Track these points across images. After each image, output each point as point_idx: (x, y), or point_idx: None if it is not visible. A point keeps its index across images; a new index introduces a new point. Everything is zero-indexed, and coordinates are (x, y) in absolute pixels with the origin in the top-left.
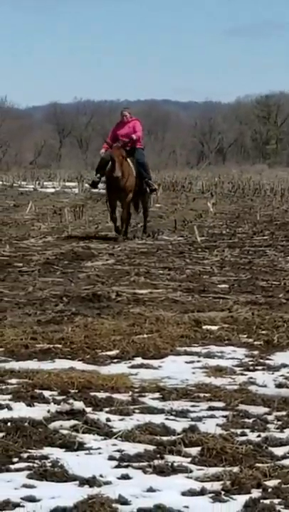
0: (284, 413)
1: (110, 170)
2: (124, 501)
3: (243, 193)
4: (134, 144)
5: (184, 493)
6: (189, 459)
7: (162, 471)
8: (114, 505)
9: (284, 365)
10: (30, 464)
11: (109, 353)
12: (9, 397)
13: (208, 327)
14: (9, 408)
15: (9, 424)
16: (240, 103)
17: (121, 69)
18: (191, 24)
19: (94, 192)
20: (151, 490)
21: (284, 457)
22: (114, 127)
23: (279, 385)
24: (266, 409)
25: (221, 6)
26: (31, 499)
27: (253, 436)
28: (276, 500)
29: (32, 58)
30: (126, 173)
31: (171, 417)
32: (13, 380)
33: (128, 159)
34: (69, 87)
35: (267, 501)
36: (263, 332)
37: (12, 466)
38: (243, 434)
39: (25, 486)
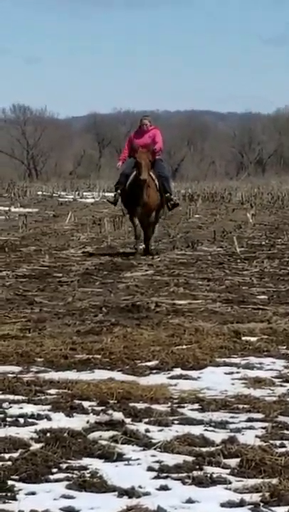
0: None
1: (136, 175)
2: None
3: (283, 204)
4: (154, 156)
5: (222, 505)
6: (228, 471)
7: (201, 483)
8: None
9: None
10: (70, 475)
11: (148, 363)
12: (48, 407)
13: (248, 338)
14: (48, 418)
15: (48, 434)
16: (279, 114)
17: (160, 79)
18: (231, 33)
19: None
20: (190, 501)
21: None
22: (131, 136)
23: None
24: None
25: (261, 14)
26: (70, 510)
27: None
28: None
29: (72, 69)
30: (149, 186)
31: (210, 428)
32: (53, 391)
33: (151, 172)
34: (108, 97)
35: None
36: None
37: (51, 477)
38: (282, 446)
39: (64, 496)
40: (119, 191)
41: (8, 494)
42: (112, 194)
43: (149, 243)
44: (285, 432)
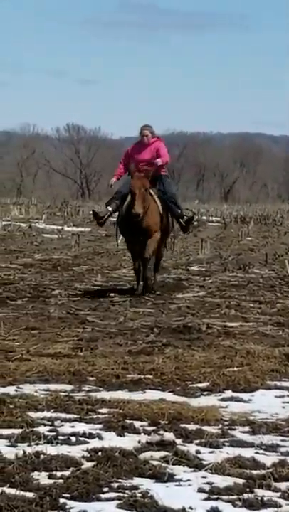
0: None
1: (129, 205)
2: None
3: None
4: (159, 171)
5: None
6: (279, 494)
7: (252, 505)
8: None
9: None
10: (121, 494)
11: (199, 385)
12: (100, 426)
13: None
14: (100, 438)
15: (100, 453)
16: None
17: (214, 100)
18: (286, 56)
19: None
20: None
21: None
22: (130, 149)
23: None
24: None
25: None
26: None
27: None
28: None
29: (125, 90)
30: (149, 212)
31: (261, 451)
32: (104, 410)
33: (152, 191)
34: (161, 118)
35: None
36: None
37: (102, 496)
38: None
39: None
40: (110, 209)
41: None
42: (102, 210)
43: (149, 277)
44: None
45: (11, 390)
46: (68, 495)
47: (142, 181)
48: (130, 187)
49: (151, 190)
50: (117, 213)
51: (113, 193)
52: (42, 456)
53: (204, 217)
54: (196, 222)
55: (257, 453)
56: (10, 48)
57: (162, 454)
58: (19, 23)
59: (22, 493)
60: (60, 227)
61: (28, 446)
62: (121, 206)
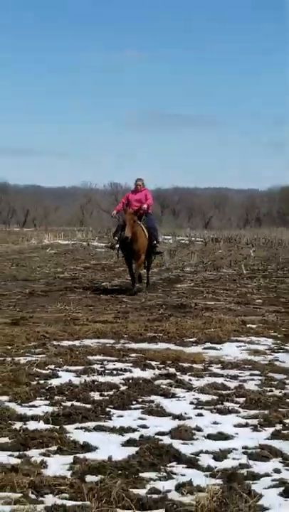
0: None
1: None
2: (199, 429)
3: (272, 244)
4: (146, 211)
5: (235, 425)
6: (239, 405)
7: (222, 412)
8: (193, 431)
9: None
10: (143, 405)
11: (190, 339)
12: (131, 364)
13: (250, 325)
14: (130, 371)
15: (130, 381)
16: (273, 189)
17: (198, 169)
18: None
19: (182, 242)
20: (215, 423)
21: None
22: (129, 194)
23: None
24: (285, 376)
25: None
26: (143, 426)
27: (277, 392)
28: None
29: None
30: (138, 235)
31: (228, 379)
32: (133, 354)
33: (141, 224)
34: (166, 176)
35: (285, 432)
36: (283, 329)
37: (132, 406)
38: (271, 391)
39: (139, 418)
40: (116, 238)
41: (106, 416)
42: (112, 240)
43: (148, 275)
44: (273, 382)
45: (76, 342)
46: (112, 406)
47: (132, 216)
48: (123, 219)
49: (140, 222)
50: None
51: (116, 221)
52: (96, 383)
53: (193, 239)
54: (187, 242)
55: (225, 380)
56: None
57: (168, 381)
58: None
59: (83, 404)
60: (105, 244)
61: (87, 376)
62: (121, 234)
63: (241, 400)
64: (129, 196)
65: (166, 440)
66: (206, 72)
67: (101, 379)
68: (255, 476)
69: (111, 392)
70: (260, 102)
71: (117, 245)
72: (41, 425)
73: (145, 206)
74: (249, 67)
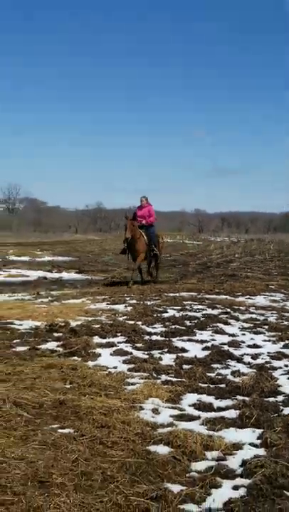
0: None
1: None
2: (243, 341)
3: (283, 243)
4: (148, 223)
5: (263, 340)
6: (264, 329)
7: (255, 333)
8: (240, 343)
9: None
10: (213, 328)
11: (238, 293)
12: (206, 306)
13: (271, 286)
14: (206, 310)
15: (206, 315)
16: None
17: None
18: None
19: (233, 241)
20: (252, 339)
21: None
22: (137, 210)
23: None
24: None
25: None
26: (213, 339)
27: (286, 322)
28: None
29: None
30: (137, 238)
31: (259, 315)
32: (207, 301)
33: (142, 232)
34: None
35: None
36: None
37: (207, 328)
38: (282, 322)
39: (211, 335)
40: (125, 244)
41: (193, 333)
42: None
43: (156, 274)
44: (284, 317)
45: (177, 294)
46: (196, 328)
47: (131, 222)
48: (124, 224)
49: (142, 232)
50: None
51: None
52: (187, 315)
53: (238, 239)
54: (236, 240)
55: (257, 315)
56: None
57: (226, 315)
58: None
59: (181, 327)
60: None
61: (183, 312)
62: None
63: (266, 326)
64: (137, 212)
65: (225, 347)
66: None
67: (190, 314)
68: (274, 368)
69: (195, 321)
70: None
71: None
72: (159, 337)
73: (144, 222)
74: None
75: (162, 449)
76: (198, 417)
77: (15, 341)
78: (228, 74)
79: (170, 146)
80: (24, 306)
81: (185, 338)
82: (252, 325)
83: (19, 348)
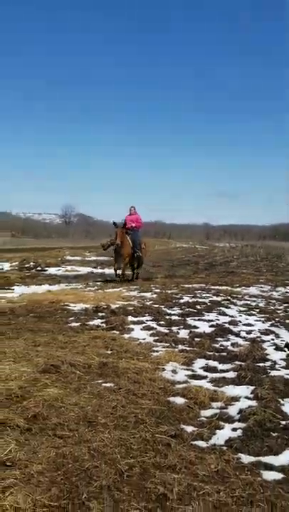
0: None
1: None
2: (240, 321)
3: (273, 248)
4: (135, 229)
5: (255, 320)
6: (256, 312)
7: (249, 314)
8: (237, 322)
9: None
10: (217, 311)
11: (236, 284)
12: (211, 294)
13: (260, 280)
14: (211, 297)
15: (212, 301)
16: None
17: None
18: None
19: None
20: (246, 319)
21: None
22: (127, 216)
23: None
24: (278, 301)
25: None
26: (217, 319)
27: (272, 307)
28: None
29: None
30: (124, 244)
31: (251, 301)
32: (212, 291)
33: (128, 237)
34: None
35: (277, 324)
36: (274, 281)
37: (213, 311)
38: (269, 306)
39: (215, 316)
40: (108, 242)
41: (202, 315)
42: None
43: (133, 273)
44: (270, 303)
45: (189, 286)
46: (204, 310)
47: (121, 229)
48: (115, 231)
49: (128, 237)
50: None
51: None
52: (198, 301)
53: (237, 245)
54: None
55: (250, 302)
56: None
57: (227, 301)
58: None
59: (193, 310)
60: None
61: (194, 298)
62: (112, 242)
63: (257, 310)
64: (127, 218)
65: (226, 325)
66: None
67: (200, 300)
68: (263, 341)
69: (204, 305)
70: None
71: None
72: (176, 317)
73: (133, 225)
74: None
75: (179, 400)
76: (206, 377)
77: (70, 319)
78: None
79: (184, 170)
80: (77, 293)
81: (196, 318)
82: (246, 309)
83: (73, 324)
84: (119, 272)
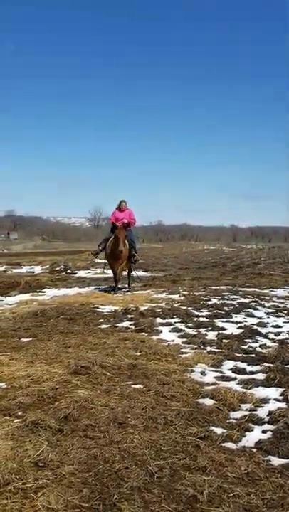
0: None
1: (114, 244)
2: (268, 322)
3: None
4: (128, 227)
5: (284, 322)
6: (284, 313)
7: (278, 316)
8: (265, 323)
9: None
10: (245, 312)
11: (264, 286)
12: (239, 296)
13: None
14: (239, 299)
15: (240, 303)
16: None
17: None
18: None
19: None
20: (275, 321)
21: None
22: (116, 212)
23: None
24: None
25: None
26: (245, 321)
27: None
28: None
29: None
30: (125, 248)
31: (279, 303)
32: (240, 293)
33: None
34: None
35: None
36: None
37: (240, 313)
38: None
39: (243, 317)
40: (100, 248)
41: (230, 316)
42: (96, 249)
43: (129, 281)
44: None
45: (217, 287)
46: (232, 312)
47: (123, 231)
48: (116, 234)
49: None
50: (104, 251)
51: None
52: (226, 302)
53: (263, 247)
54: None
55: (278, 303)
56: None
57: (255, 303)
58: None
59: (221, 311)
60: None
61: (222, 300)
62: (105, 245)
63: (285, 311)
64: (116, 213)
65: (254, 327)
66: None
67: (227, 302)
68: None
69: (232, 307)
70: None
71: (104, 260)
72: (204, 319)
73: (125, 221)
74: None
75: (208, 402)
76: (235, 378)
77: (100, 320)
78: None
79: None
80: (106, 296)
81: (224, 319)
82: (274, 310)
83: (103, 326)
84: (118, 279)
